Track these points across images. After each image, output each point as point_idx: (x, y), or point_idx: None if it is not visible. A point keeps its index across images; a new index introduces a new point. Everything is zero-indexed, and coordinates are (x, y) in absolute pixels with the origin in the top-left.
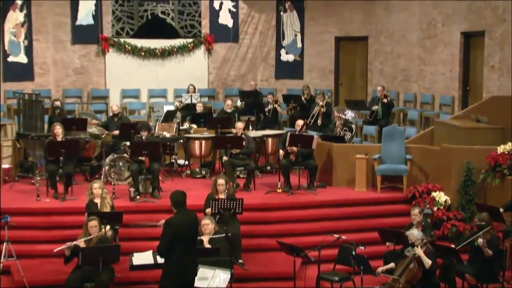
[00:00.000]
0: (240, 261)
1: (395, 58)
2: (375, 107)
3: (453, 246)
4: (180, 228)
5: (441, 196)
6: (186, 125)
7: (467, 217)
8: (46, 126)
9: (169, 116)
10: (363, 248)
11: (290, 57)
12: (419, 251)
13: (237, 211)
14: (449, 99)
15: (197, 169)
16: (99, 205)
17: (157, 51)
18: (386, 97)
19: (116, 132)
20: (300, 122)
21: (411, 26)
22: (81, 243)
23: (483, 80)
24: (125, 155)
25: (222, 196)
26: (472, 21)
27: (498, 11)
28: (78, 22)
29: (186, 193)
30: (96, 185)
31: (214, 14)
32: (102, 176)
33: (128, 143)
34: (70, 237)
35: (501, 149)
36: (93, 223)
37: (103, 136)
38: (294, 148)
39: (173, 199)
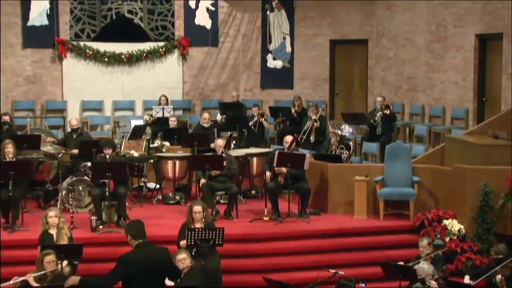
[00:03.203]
0: None
1: (399, 64)
2: (379, 113)
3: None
4: (134, 267)
5: (454, 225)
6: (157, 143)
7: (484, 248)
8: None
9: (137, 132)
10: (363, 285)
11: (278, 64)
12: None
13: (217, 242)
14: (462, 112)
15: (170, 194)
16: (55, 236)
17: (123, 56)
18: (388, 108)
19: (75, 151)
20: (288, 138)
21: (418, 28)
22: (30, 278)
23: (501, 89)
24: (85, 177)
25: (199, 225)
26: (488, 22)
27: None
28: (30, 23)
29: (144, 222)
30: (52, 213)
31: (190, 13)
32: (58, 203)
33: (89, 164)
34: (20, 275)
35: None
36: (50, 257)
37: (59, 155)
38: (283, 169)
39: (131, 232)
